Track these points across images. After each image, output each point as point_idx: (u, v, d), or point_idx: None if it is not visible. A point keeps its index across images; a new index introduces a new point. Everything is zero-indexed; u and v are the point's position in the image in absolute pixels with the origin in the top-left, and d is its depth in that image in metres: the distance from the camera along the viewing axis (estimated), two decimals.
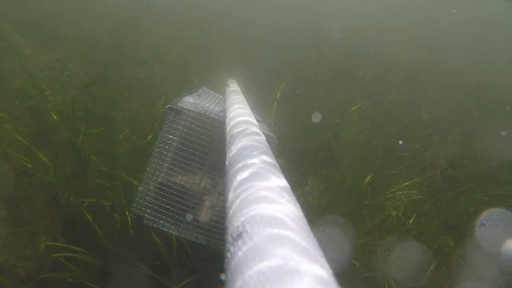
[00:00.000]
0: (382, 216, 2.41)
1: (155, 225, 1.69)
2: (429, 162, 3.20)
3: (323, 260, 0.32)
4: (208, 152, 1.75)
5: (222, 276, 0.34)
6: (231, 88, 1.96)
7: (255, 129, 0.86)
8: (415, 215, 2.46)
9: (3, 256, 1.65)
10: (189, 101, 1.83)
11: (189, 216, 1.74)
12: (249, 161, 0.60)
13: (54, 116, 2.66)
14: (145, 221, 1.70)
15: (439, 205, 2.65)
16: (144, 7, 7.20)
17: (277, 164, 0.63)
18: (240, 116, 1.03)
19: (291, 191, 0.50)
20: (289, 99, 3.87)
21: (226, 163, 0.68)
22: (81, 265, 1.65)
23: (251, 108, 1.42)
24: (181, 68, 4.32)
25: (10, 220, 1.86)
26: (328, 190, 2.44)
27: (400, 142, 3.16)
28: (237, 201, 0.45)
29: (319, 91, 4.41)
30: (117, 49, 4.55)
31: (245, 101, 1.61)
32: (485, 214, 2.34)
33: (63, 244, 1.69)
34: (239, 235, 0.36)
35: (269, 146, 0.78)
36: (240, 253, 0.33)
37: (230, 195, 0.50)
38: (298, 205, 0.45)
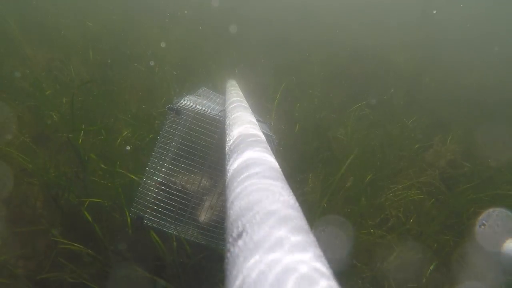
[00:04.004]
0: (382, 216, 2.42)
1: (155, 225, 1.69)
2: (429, 162, 3.20)
3: (323, 260, 0.32)
4: (208, 152, 1.75)
5: (221, 277, 0.34)
6: (231, 88, 1.96)
7: (256, 129, 0.86)
8: (415, 215, 2.46)
9: (3, 256, 1.65)
10: (189, 101, 1.83)
11: (189, 216, 1.74)
12: (250, 161, 0.60)
13: (54, 116, 2.66)
14: (145, 221, 1.70)
15: (439, 205, 2.65)
16: (145, 7, 7.19)
17: (277, 164, 0.63)
18: (240, 116, 1.03)
19: (290, 191, 0.50)
20: (289, 99, 3.88)
21: (226, 163, 0.68)
22: (81, 265, 1.65)
23: (251, 108, 1.42)
24: (181, 68, 4.32)
25: (10, 220, 1.86)
26: (328, 190, 2.44)
27: None
28: (237, 201, 0.45)
29: (319, 91, 4.41)
30: (117, 49, 4.56)
31: (245, 101, 1.61)
32: (484, 214, 2.34)
33: (63, 244, 1.69)
34: (239, 235, 0.37)
35: (269, 146, 0.78)
36: (240, 253, 0.33)
37: (230, 195, 0.50)
38: (297, 204, 0.45)
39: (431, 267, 2.05)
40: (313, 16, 9.70)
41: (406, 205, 2.56)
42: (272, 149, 1.09)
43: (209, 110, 1.72)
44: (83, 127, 2.52)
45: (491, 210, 2.34)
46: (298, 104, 3.85)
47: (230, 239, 0.37)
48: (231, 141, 0.78)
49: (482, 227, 2.23)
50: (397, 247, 2.13)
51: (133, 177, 2.05)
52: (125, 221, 1.84)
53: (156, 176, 1.80)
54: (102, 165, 2.14)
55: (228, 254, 0.35)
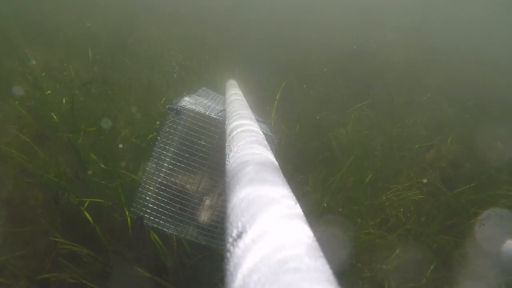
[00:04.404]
0: (382, 216, 2.42)
1: (155, 225, 1.69)
2: (429, 162, 3.20)
3: (323, 260, 0.32)
4: (208, 152, 1.75)
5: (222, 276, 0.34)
6: (231, 88, 1.96)
7: (256, 129, 0.86)
8: (415, 215, 2.46)
9: (3, 256, 1.65)
10: (189, 101, 1.83)
11: (189, 216, 1.74)
12: (250, 162, 0.60)
13: (54, 116, 2.66)
14: (145, 221, 1.70)
15: (439, 205, 2.65)
16: (145, 7, 7.19)
17: (276, 164, 0.63)
18: (240, 117, 1.03)
19: (291, 192, 0.50)
20: (289, 99, 3.88)
21: (226, 163, 0.68)
22: (81, 265, 1.65)
23: (251, 108, 1.42)
24: (181, 68, 4.32)
25: (10, 220, 1.86)
26: (328, 190, 2.44)
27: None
28: (237, 201, 0.45)
29: (319, 90, 4.41)
30: (117, 49, 4.56)
31: (245, 101, 1.61)
32: (484, 214, 2.34)
33: (63, 244, 1.69)
34: (239, 235, 0.36)
35: (269, 146, 0.78)
36: (240, 253, 0.33)
37: (230, 195, 0.50)
38: (298, 204, 0.45)
39: (431, 267, 2.05)
40: (313, 16, 9.71)
41: (406, 205, 2.56)
42: (272, 149, 1.09)
43: (209, 110, 1.72)
44: (83, 127, 2.52)
45: (491, 210, 2.34)
46: (298, 104, 3.85)
47: (230, 239, 0.37)
48: (231, 142, 0.78)
49: (482, 226, 2.23)
50: (397, 247, 2.13)
51: (134, 177, 2.05)
52: (125, 221, 1.84)
53: (156, 176, 1.80)
54: (102, 165, 2.14)
55: (228, 254, 0.35)
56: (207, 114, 1.68)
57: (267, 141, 0.83)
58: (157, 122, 2.85)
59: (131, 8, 7.10)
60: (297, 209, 0.43)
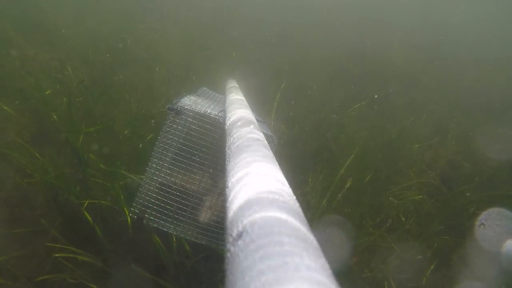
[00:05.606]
0: (382, 216, 2.42)
1: (155, 225, 1.69)
2: (429, 162, 3.20)
3: (323, 260, 0.32)
4: (208, 152, 1.75)
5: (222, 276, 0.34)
6: (231, 88, 1.96)
7: (256, 129, 0.86)
8: (415, 215, 2.46)
9: (3, 256, 1.65)
10: (189, 101, 1.82)
11: (189, 216, 1.74)
12: (250, 162, 0.60)
13: (54, 116, 2.66)
14: (145, 221, 1.70)
15: (439, 205, 2.65)
16: (144, 7, 7.19)
17: (277, 164, 0.63)
18: (240, 116, 1.03)
19: (291, 191, 0.50)
20: (288, 99, 3.87)
21: (226, 163, 0.68)
22: (81, 266, 1.65)
23: (251, 108, 1.41)
24: (181, 68, 4.32)
25: (10, 220, 1.86)
26: (328, 190, 2.44)
27: None
28: (237, 201, 0.45)
29: (319, 91, 4.41)
30: (117, 49, 4.55)
31: (245, 101, 1.61)
32: (484, 214, 2.34)
33: (63, 244, 1.69)
34: (239, 235, 0.36)
35: (269, 145, 0.78)
36: (240, 253, 0.33)
37: (230, 195, 0.50)
38: (298, 204, 0.45)
39: (431, 267, 2.05)
40: (313, 16, 9.71)
41: (406, 205, 2.56)
42: (272, 149, 1.09)
43: (209, 110, 1.72)
44: (82, 127, 2.52)
45: (491, 210, 2.34)
46: (298, 104, 3.85)
47: (230, 239, 0.37)
48: (231, 141, 0.78)
49: (482, 226, 2.23)
50: (397, 247, 2.13)
51: (133, 177, 2.05)
52: (125, 221, 1.84)
53: (156, 176, 1.80)
54: (102, 166, 2.14)
55: (228, 254, 0.35)
56: (207, 114, 1.68)
57: (267, 141, 0.83)
58: (156, 123, 2.85)
59: (131, 8, 7.09)
60: (297, 209, 0.43)
